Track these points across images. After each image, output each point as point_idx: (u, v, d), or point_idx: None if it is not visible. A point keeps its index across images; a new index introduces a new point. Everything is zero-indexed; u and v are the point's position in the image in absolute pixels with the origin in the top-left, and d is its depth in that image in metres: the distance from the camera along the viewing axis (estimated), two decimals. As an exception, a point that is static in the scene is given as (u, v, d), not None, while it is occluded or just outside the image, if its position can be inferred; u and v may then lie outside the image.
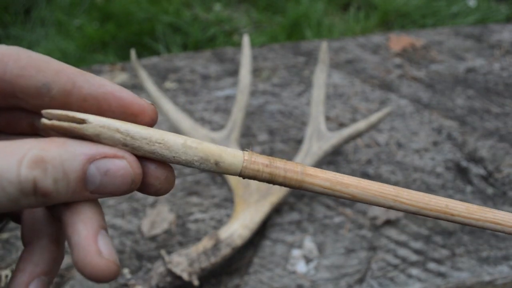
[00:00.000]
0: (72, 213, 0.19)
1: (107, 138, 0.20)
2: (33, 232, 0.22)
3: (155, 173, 0.22)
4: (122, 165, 0.20)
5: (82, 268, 0.18)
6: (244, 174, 0.23)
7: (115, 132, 0.20)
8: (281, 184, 0.23)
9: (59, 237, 0.23)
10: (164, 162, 0.22)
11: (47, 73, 0.20)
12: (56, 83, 0.20)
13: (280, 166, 0.23)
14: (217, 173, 0.22)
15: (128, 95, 0.22)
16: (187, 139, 0.22)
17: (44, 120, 0.19)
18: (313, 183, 0.23)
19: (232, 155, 0.22)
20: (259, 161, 0.23)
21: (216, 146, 0.22)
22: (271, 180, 0.23)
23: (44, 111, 0.20)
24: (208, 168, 0.22)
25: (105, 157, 0.19)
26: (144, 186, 0.22)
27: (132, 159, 0.20)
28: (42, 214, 0.23)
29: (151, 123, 0.22)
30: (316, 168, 0.24)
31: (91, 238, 0.19)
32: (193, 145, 0.22)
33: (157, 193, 0.22)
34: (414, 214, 0.24)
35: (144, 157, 0.21)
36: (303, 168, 0.23)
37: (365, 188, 0.23)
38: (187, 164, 0.22)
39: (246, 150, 0.23)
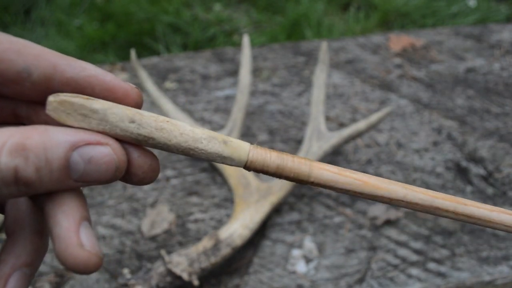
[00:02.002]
0: (54, 204, 0.19)
1: (114, 114, 0.20)
2: (16, 223, 0.22)
3: (138, 161, 0.21)
4: (106, 152, 0.19)
5: (64, 260, 0.18)
6: (251, 162, 0.22)
7: (123, 109, 0.20)
8: (287, 177, 0.22)
9: (42, 228, 0.22)
10: (147, 150, 0.22)
11: (27, 57, 0.20)
12: (36, 67, 0.20)
13: (288, 158, 0.22)
14: (221, 161, 0.22)
15: (111, 79, 0.21)
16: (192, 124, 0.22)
17: (50, 97, 0.19)
18: (321, 175, 0.22)
19: (238, 140, 0.22)
20: (266, 151, 0.22)
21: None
22: (278, 171, 0.22)
23: (52, 95, 0.20)
24: (214, 149, 0.21)
25: (88, 144, 0.19)
26: (127, 175, 0.21)
27: (116, 145, 0.20)
28: (25, 204, 0.23)
29: (136, 107, 0.22)
30: (323, 163, 0.23)
31: (72, 230, 0.18)
32: (199, 128, 0.22)
33: (141, 182, 0.22)
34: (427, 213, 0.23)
35: (128, 144, 0.21)
36: (310, 161, 0.23)
37: (373, 184, 0.23)
38: (194, 143, 0.21)
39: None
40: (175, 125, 0.21)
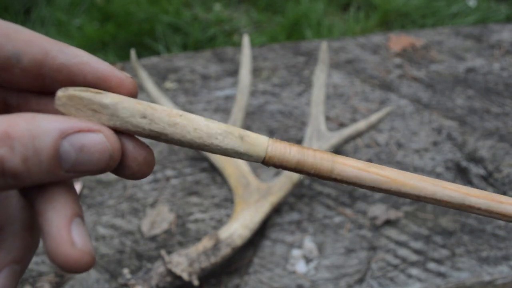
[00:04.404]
0: (44, 200, 0.18)
1: (125, 108, 0.19)
2: (5, 219, 0.21)
3: (133, 153, 0.20)
4: (98, 139, 0.18)
5: (54, 259, 0.17)
6: (269, 158, 0.21)
7: (135, 103, 0.19)
8: (308, 172, 0.21)
9: (32, 224, 0.21)
10: (142, 142, 0.21)
11: (17, 42, 0.19)
12: (27, 53, 0.19)
13: (309, 153, 0.21)
14: (238, 157, 0.21)
15: (105, 67, 0.20)
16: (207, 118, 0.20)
17: (59, 92, 0.19)
18: (345, 171, 0.21)
19: (256, 135, 0.21)
20: (286, 145, 0.21)
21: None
22: (298, 167, 0.21)
23: (61, 89, 0.19)
24: (230, 145, 0.20)
25: (79, 131, 0.18)
26: (120, 166, 0.20)
27: (109, 132, 0.19)
28: (15, 199, 0.22)
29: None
30: (347, 157, 0.22)
31: (63, 228, 0.17)
32: (215, 122, 0.20)
33: (134, 176, 0.21)
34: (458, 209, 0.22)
35: (122, 134, 0.20)
36: (333, 156, 0.22)
37: (400, 181, 0.21)
38: (208, 139, 0.20)
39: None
40: (189, 119, 0.20)
